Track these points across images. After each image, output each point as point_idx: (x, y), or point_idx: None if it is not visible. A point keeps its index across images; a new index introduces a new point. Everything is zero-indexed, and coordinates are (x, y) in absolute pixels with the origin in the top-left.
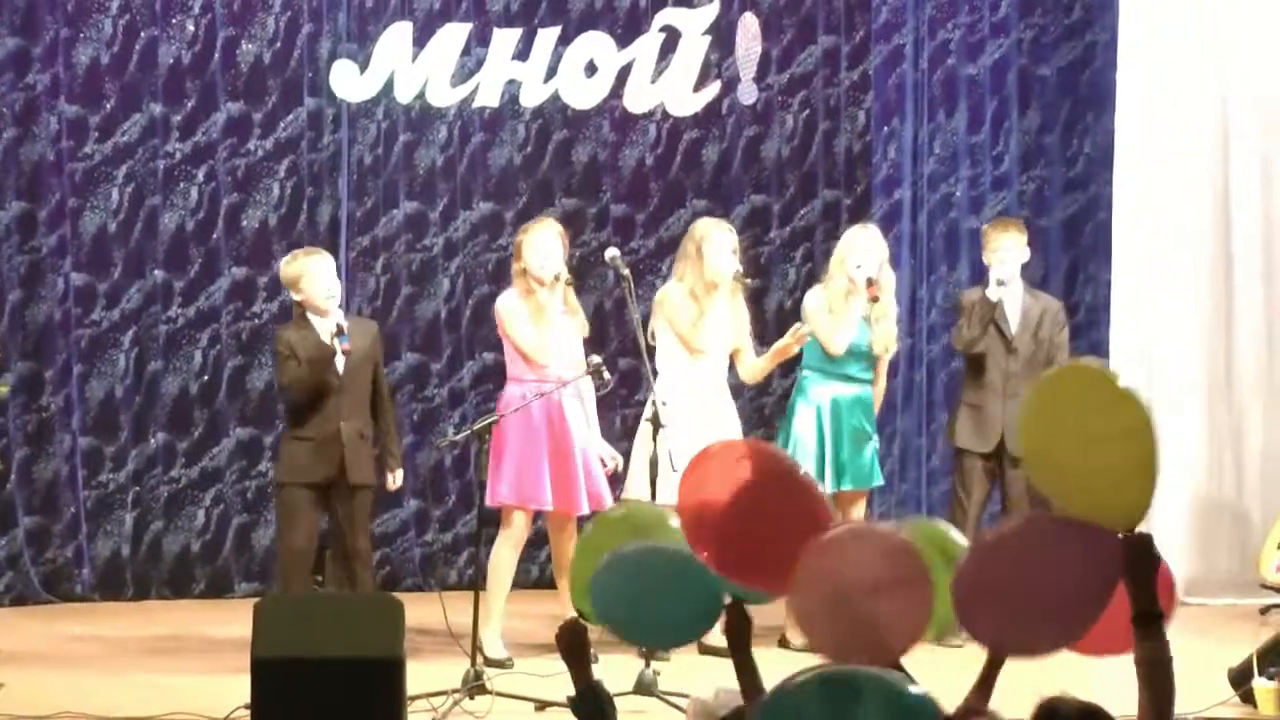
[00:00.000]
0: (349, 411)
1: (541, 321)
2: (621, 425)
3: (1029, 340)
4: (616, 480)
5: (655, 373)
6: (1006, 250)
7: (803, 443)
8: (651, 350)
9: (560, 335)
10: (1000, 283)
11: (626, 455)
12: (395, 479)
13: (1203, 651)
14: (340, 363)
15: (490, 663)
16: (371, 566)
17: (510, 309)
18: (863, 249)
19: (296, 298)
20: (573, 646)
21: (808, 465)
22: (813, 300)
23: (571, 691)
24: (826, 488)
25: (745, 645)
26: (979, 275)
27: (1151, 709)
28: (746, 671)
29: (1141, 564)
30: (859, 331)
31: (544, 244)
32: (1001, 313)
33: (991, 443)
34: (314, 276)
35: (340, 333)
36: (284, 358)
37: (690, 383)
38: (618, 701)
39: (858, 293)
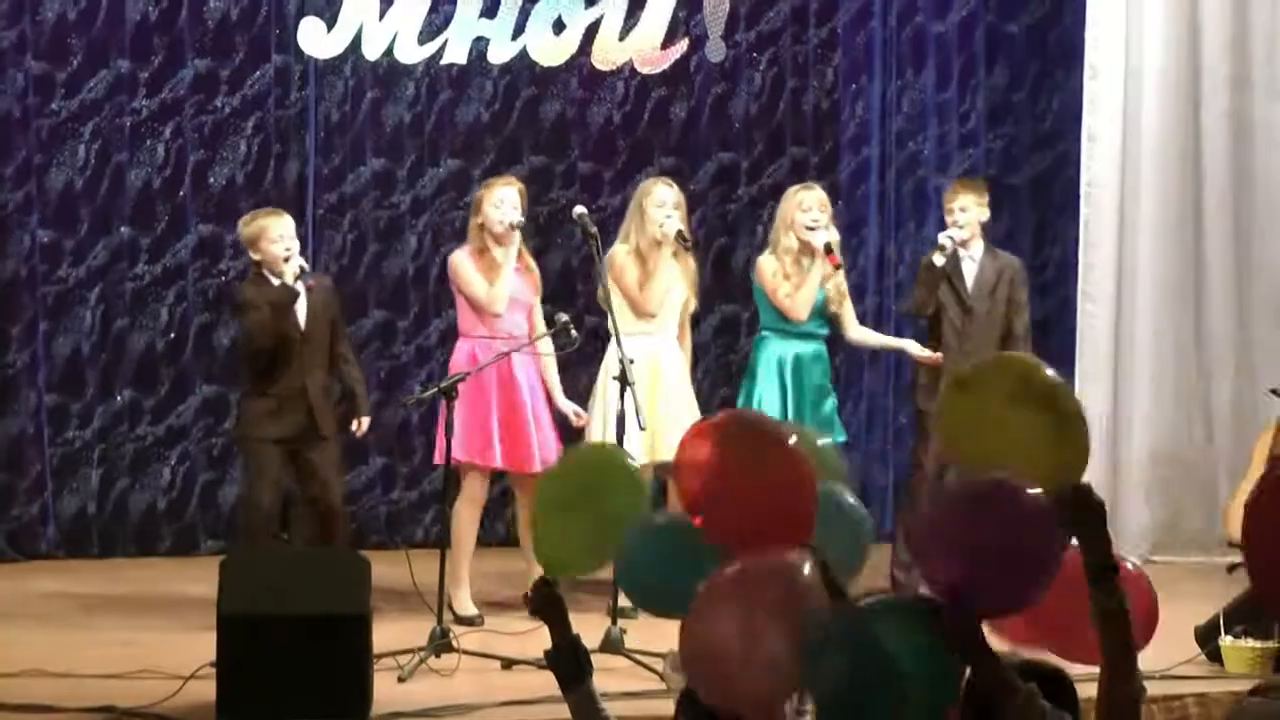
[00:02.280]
0: (311, 365)
1: (494, 277)
2: (589, 382)
3: (985, 299)
4: (579, 437)
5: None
6: (960, 211)
7: (766, 401)
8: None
9: (514, 291)
10: (942, 247)
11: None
12: (362, 425)
13: (1169, 609)
14: (302, 314)
15: (460, 620)
16: (347, 521)
17: (462, 263)
18: (812, 207)
19: (255, 257)
20: (544, 606)
21: None
22: (767, 267)
23: (546, 647)
24: None
25: None
26: None
27: (1112, 661)
28: None
29: (1088, 515)
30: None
31: (504, 198)
32: (958, 272)
33: None
34: (273, 236)
35: (303, 273)
36: (243, 306)
37: (640, 348)
38: None
39: (811, 255)
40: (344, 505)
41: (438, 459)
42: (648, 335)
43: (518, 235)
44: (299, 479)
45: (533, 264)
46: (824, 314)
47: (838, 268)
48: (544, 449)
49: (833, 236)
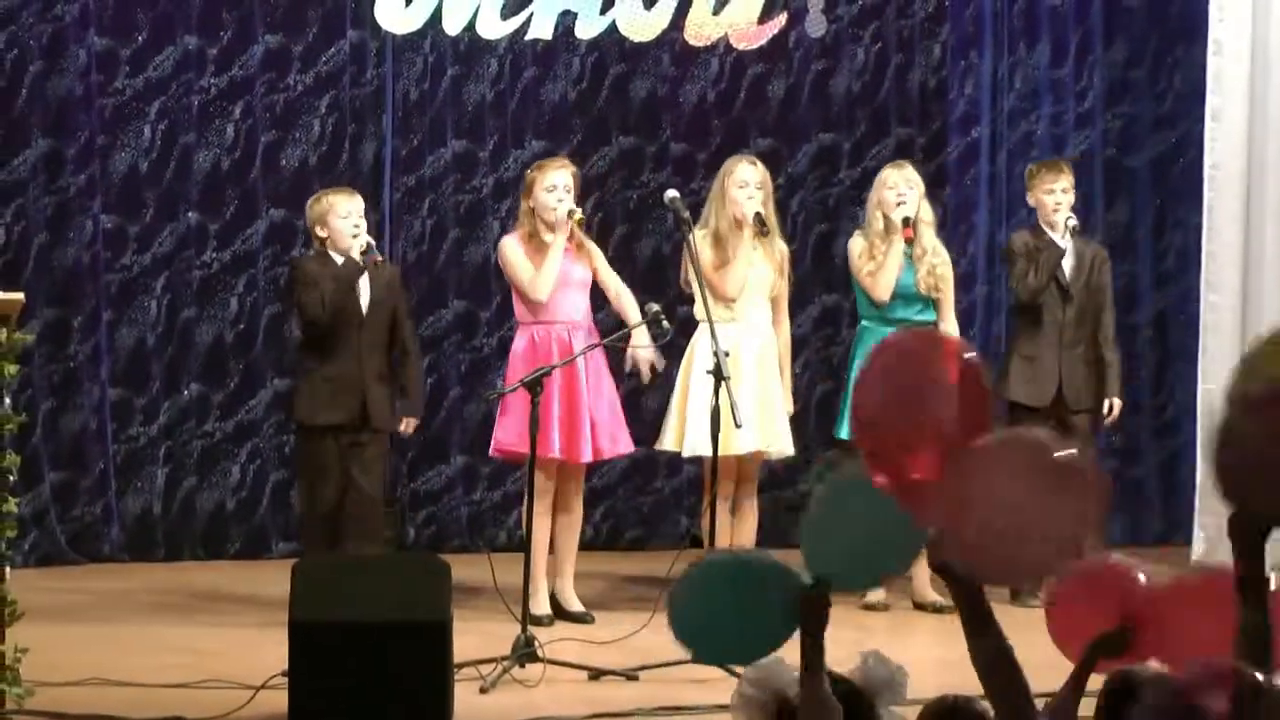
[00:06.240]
0: (369, 351)
1: (541, 262)
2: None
3: (1082, 288)
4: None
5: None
6: (1063, 193)
7: None
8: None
9: (566, 278)
10: (1075, 230)
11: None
12: (409, 425)
13: None
14: (364, 295)
15: (530, 620)
16: (382, 515)
17: (511, 249)
18: (898, 184)
19: (321, 234)
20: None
21: None
22: (855, 246)
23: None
24: None
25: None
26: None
27: None
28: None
29: None
30: (905, 273)
31: (558, 182)
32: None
33: (1048, 396)
34: (341, 212)
35: (369, 249)
36: (304, 284)
37: (722, 338)
38: None
39: (898, 232)
40: (381, 499)
41: (493, 449)
42: (727, 323)
43: (571, 224)
44: (342, 466)
45: (590, 246)
46: (921, 299)
47: (909, 241)
48: (598, 439)
49: (923, 214)
